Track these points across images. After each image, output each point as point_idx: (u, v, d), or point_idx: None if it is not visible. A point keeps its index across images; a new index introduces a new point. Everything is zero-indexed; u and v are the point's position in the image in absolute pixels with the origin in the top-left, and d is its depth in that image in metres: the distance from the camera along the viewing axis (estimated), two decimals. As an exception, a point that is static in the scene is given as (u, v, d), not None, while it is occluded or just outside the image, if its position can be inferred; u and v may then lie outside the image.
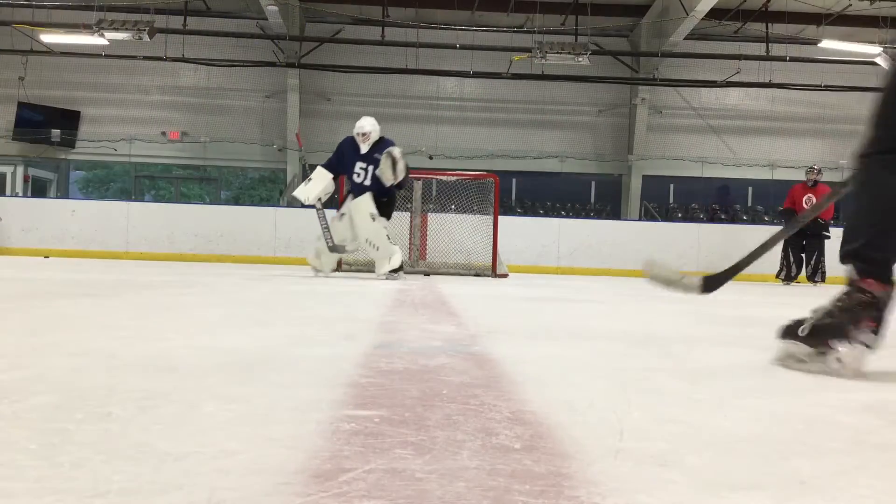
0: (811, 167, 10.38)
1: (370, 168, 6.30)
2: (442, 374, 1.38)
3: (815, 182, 10.15)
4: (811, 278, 10.08)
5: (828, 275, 10.28)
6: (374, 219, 6.43)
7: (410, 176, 8.77)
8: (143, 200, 16.16)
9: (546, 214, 15.61)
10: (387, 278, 6.37)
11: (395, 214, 7.60)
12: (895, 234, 1.65)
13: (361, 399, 1.13)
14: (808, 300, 5.69)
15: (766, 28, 14.82)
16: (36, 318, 2.36)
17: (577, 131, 17.01)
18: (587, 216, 15.91)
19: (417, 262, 8.92)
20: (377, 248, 6.39)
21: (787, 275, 10.10)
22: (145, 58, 15.14)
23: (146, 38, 12.76)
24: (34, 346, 1.63)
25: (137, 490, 0.68)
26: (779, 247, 10.27)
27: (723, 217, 16.45)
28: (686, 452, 0.88)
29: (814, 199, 10.13)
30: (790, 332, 1.71)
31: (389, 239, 6.48)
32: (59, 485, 0.69)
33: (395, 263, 6.40)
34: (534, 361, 1.67)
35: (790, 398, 1.31)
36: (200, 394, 1.14)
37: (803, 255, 10.13)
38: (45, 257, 9.89)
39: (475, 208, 9.23)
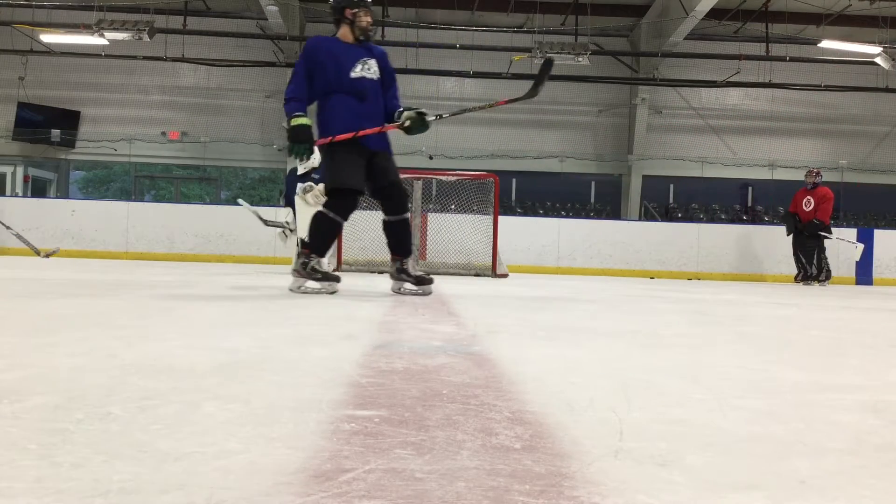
0: (810, 170, 10.47)
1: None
2: (442, 374, 1.38)
3: (815, 185, 10.22)
4: (816, 278, 10.13)
5: (833, 273, 10.30)
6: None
7: (409, 176, 8.87)
8: (143, 200, 16.15)
9: (546, 214, 15.61)
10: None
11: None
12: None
13: (361, 399, 1.13)
14: (808, 300, 5.64)
15: (766, 28, 14.83)
16: (36, 318, 2.36)
17: (577, 131, 17.01)
18: (587, 216, 15.90)
19: (417, 262, 8.91)
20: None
21: (805, 276, 10.20)
22: (145, 58, 15.14)
23: (146, 38, 12.76)
24: (34, 346, 1.63)
25: (137, 490, 0.68)
26: (791, 250, 10.38)
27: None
28: (686, 452, 0.88)
29: (812, 202, 10.20)
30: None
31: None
32: (59, 485, 0.69)
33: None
34: (534, 361, 1.67)
35: (790, 398, 1.31)
36: (200, 394, 1.14)
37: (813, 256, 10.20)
38: (46, 256, 9.86)
39: (475, 208, 9.23)
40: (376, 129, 3.97)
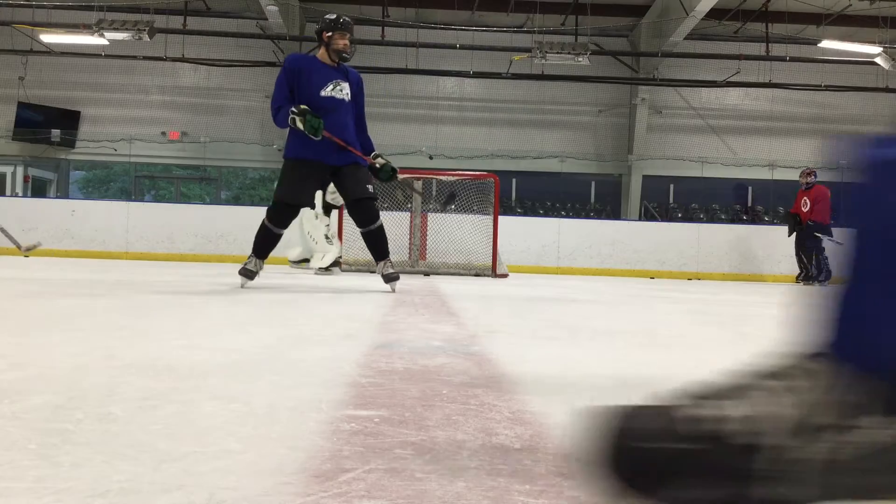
0: (803, 170, 10.52)
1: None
2: (442, 374, 1.38)
3: (809, 185, 10.26)
4: (815, 278, 10.14)
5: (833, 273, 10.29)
6: (316, 216, 7.37)
7: (410, 177, 8.90)
8: (143, 200, 16.15)
9: (546, 214, 15.61)
10: (316, 272, 7.16)
11: (395, 214, 8.24)
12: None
13: (361, 399, 1.13)
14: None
15: (766, 28, 14.82)
16: (36, 318, 2.36)
17: (577, 131, 17.00)
18: (587, 216, 15.89)
19: (417, 262, 8.91)
20: (315, 242, 7.43)
21: (806, 276, 10.23)
22: (145, 58, 15.14)
23: (146, 38, 12.75)
24: (34, 346, 1.63)
25: (137, 490, 0.68)
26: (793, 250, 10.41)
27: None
28: (686, 452, 0.88)
29: (809, 203, 10.22)
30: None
31: (328, 239, 7.41)
32: (59, 485, 0.69)
33: (325, 262, 7.25)
34: (534, 361, 1.67)
35: (790, 398, 1.31)
36: (200, 394, 1.14)
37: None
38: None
39: (475, 208, 9.22)
40: (344, 144, 4.22)
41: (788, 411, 0.48)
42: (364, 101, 4.49)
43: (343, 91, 4.31)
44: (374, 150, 4.46)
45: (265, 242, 4.39)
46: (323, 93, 4.24)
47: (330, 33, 4.30)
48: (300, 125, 4.04)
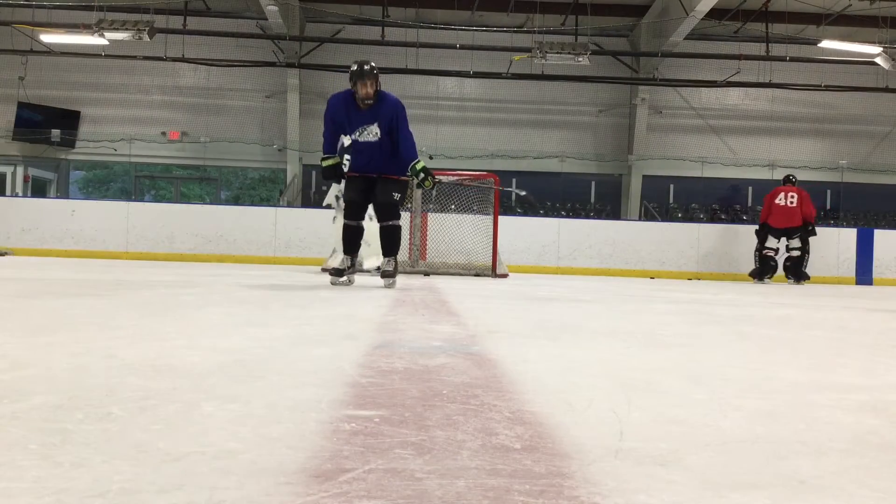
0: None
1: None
2: (442, 374, 1.38)
3: None
4: (755, 274, 10.46)
5: (834, 273, 10.38)
6: (370, 218, 7.22)
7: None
8: (143, 200, 16.15)
9: (546, 214, 15.61)
10: (329, 272, 7.33)
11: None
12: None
13: (361, 399, 1.13)
14: (808, 300, 5.65)
15: (766, 28, 14.82)
16: (36, 318, 2.36)
17: (577, 131, 17.00)
18: (587, 216, 15.89)
19: (417, 262, 8.91)
20: (369, 245, 7.29)
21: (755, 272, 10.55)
22: (145, 58, 15.14)
23: (146, 38, 12.75)
24: (34, 346, 1.63)
25: (137, 490, 0.68)
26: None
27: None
28: (686, 452, 0.88)
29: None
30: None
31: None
32: (59, 485, 0.69)
33: (332, 264, 7.39)
34: (534, 361, 1.67)
35: (790, 398, 1.31)
36: (200, 394, 1.14)
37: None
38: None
39: (475, 208, 9.21)
40: (366, 175, 4.93)
41: None
42: (404, 123, 4.85)
43: (371, 134, 4.80)
44: (411, 162, 4.86)
45: (343, 236, 5.10)
46: (354, 136, 4.84)
47: (353, 82, 4.74)
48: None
